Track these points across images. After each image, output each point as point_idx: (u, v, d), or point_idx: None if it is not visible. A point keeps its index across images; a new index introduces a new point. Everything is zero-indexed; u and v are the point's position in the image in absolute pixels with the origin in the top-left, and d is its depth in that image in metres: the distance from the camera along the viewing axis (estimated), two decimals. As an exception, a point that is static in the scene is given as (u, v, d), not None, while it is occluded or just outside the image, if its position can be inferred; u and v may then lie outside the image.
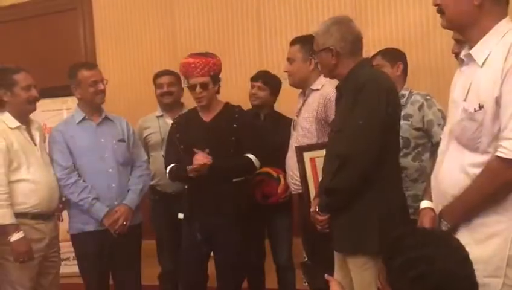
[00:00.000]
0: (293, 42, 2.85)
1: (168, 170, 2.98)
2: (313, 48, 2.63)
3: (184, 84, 3.09)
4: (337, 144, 2.19)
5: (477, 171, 1.64)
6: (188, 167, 2.79)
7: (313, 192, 2.58)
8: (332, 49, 2.24)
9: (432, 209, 1.84)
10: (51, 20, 4.78)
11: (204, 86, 2.85)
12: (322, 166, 2.41)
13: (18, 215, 2.73)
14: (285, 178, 3.02)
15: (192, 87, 2.87)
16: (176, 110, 3.48)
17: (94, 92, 2.98)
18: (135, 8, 4.56)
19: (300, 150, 2.66)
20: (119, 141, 3.06)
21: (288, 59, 2.85)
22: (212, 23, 4.32)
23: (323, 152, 2.43)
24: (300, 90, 2.92)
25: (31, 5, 4.80)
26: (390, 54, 3.00)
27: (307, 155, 2.66)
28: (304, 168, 2.63)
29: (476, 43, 1.66)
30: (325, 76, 2.48)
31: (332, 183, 2.18)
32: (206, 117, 2.95)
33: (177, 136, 2.93)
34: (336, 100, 2.42)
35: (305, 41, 2.77)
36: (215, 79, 2.90)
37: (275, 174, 3.06)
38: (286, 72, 2.90)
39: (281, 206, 3.16)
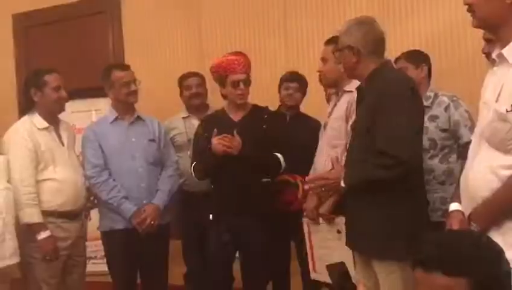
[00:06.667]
0: (328, 42, 2.82)
1: (192, 166, 2.99)
2: None
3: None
4: (377, 143, 2.11)
5: (508, 173, 1.62)
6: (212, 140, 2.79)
7: None
8: (353, 47, 2.24)
9: (461, 212, 1.82)
10: (80, 23, 4.84)
11: (246, 82, 2.90)
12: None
13: (44, 213, 2.79)
14: (303, 183, 3.00)
15: (235, 84, 2.89)
16: (202, 111, 3.51)
17: (127, 93, 3.05)
18: (162, 12, 4.60)
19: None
20: (150, 140, 3.11)
21: (322, 59, 2.83)
22: (239, 26, 4.33)
23: None
24: (333, 91, 2.91)
25: (60, 8, 4.87)
26: (414, 56, 2.98)
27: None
28: None
29: (508, 42, 1.64)
30: (348, 76, 2.47)
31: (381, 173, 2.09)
32: (235, 117, 2.97)
33: (206, 136, 2.94)
34: (357, 101, 2.40)
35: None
36: (250, 79, 2.95)
37: (292, 180, 3.04)
38: (319, 72, 2.89)
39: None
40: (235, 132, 2.81)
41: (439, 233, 1.28)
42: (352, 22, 2.33)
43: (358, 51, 2.24)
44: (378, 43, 2.28)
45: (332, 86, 2.89)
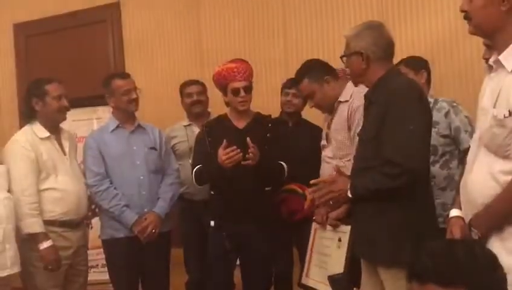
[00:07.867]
0: (299, 80, 2.87)
1: (194, 171, 2.95)
2: (321, 69, 2.75)
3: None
4: (384, 151, 2.09)
5: (507, 178, 1.62)
6: (220, 153, 2.71)
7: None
8: (362, 53, 2.21)
9: (462, 218, 1.81)
10: (81, 32, 4.87)
11: (247, 89, 2.89)
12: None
13: (46, 222, 2.79)
14: (311, 195, 2.99)
15: (235, 91, 2.88)
16: (203, 119, 3.51)
17: (127, 101, 3.06)
18: (163, 21, 4.62)
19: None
20: (151, 148, 3.11)
21: (307, 96, 2.88)
22: (238, 34, 4.35)
23: None
24: None
25: (61, 18, 4.90)
26: (413, 63, 2.98)
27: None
28: None
29: (505, 48, 1.64)
30: (353, 82, 2.46)
31: (389, 184, 2.08)
32: (239, 124, 2.96)
33: (209, 140, 2.93)
34: (364, 108, 2.37)
35: (307, 72, 2.84)
36: (252, 85, 2.94)
37: (300, 190, 3.03)
38: (313, 107, 2.91)
39: (309, 216, 3.14)
40: (248, 139, 2.74)
41: (431, 244, 1.27)
42: (361, 26, 2.28)
43: (368, 57, 2.20)
44: (387, 48, 2.24)
45: (332, 107, 2.84)
